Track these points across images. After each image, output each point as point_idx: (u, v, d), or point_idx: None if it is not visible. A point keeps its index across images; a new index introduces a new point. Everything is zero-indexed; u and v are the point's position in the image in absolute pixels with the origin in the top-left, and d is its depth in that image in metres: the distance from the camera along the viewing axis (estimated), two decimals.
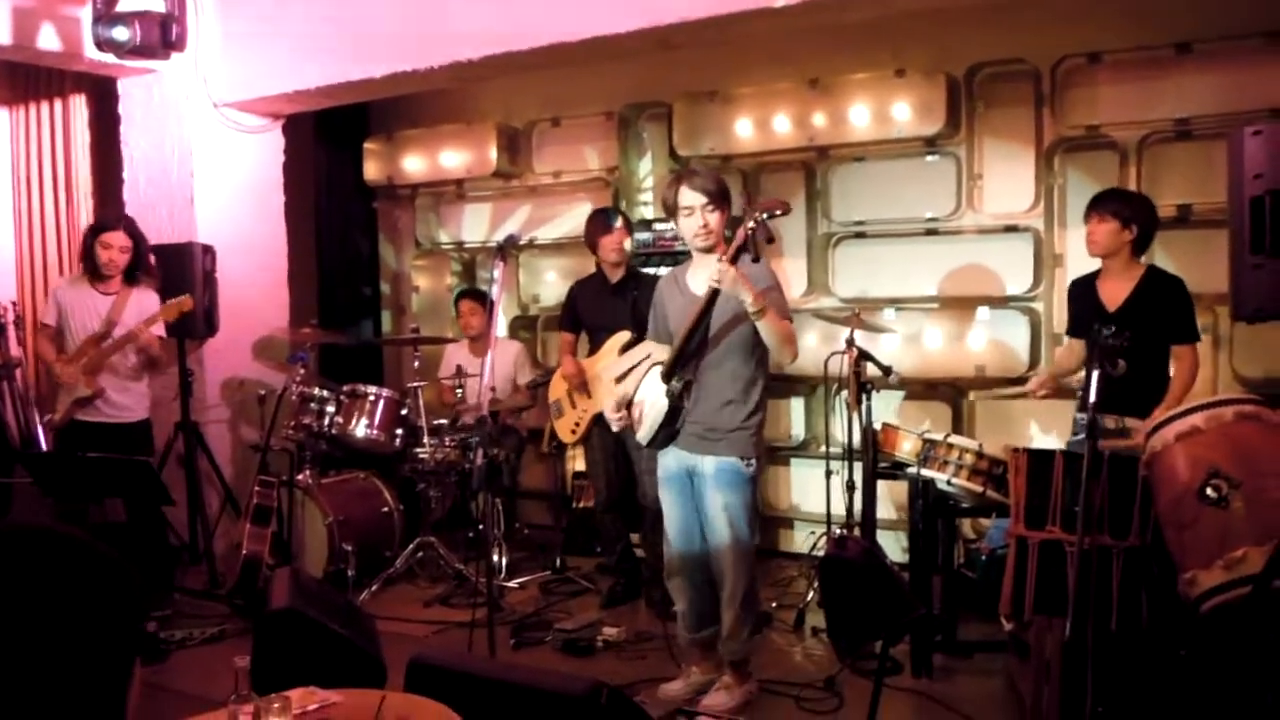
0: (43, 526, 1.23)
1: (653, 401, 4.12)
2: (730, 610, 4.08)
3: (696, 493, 4.11)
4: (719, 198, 3.98)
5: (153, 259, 5.75)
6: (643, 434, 4.20)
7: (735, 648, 4.13)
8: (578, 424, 5.63)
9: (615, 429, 4.42)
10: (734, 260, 3.77)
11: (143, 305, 5.49)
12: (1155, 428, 3.34)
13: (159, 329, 5.44)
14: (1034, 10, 5.44)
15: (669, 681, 4.33)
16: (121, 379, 5.48)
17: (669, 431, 4.10)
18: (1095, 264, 4.66)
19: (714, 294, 3.83)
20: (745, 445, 4.01)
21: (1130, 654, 3.50)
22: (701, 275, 4.00)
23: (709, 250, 4.02)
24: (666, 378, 4.05)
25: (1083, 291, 4.63)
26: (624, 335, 5.37)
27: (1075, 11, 5.46)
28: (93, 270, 5.46)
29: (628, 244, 5.55)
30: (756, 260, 3.82)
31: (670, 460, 4.17)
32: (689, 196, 3.97)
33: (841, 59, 6.08)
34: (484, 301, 6.48)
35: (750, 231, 3.73)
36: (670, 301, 4.20)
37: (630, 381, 4.32)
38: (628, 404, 4.24)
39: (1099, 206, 4.49)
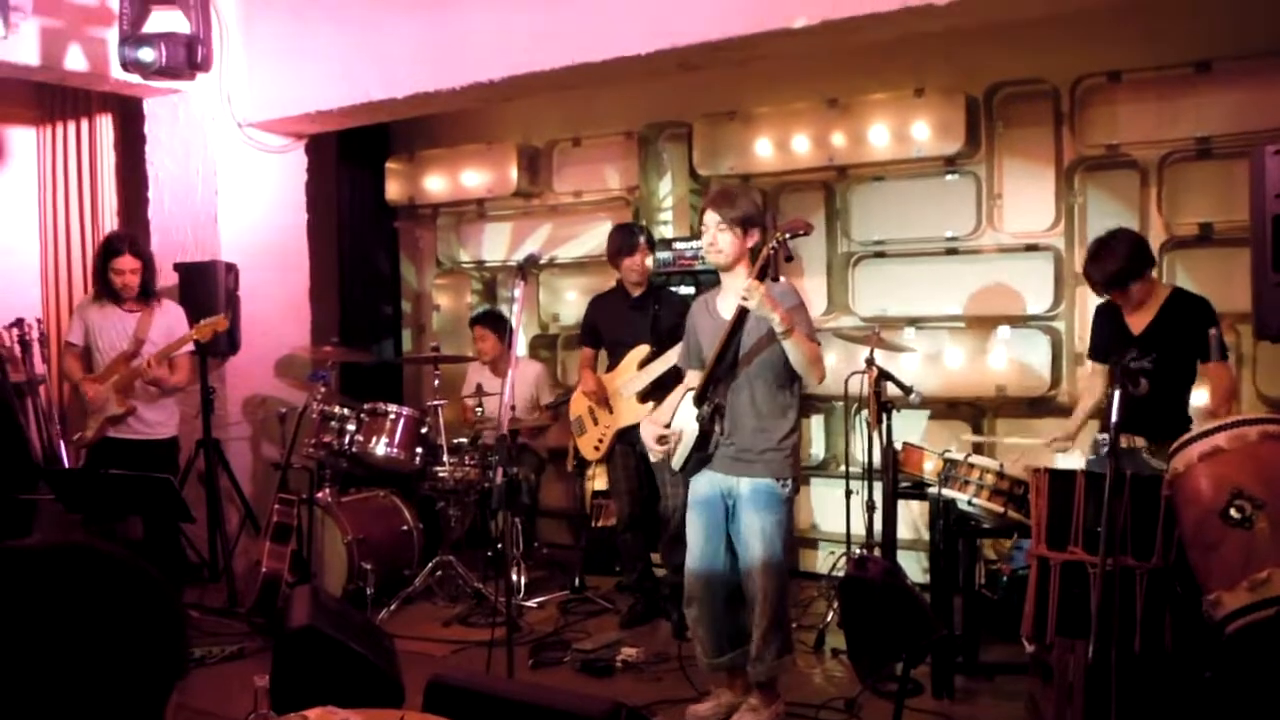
0: (88, 545, 1.24)
1: (685, 427, 4.12)
2: (759, 630, 4.04)
3: (731, 514, 4.08)
4: (736, 222, 3.98)
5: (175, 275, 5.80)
6: (676, 460, 4.19)
7: (763, 669, 4.08)
8: (601, 440, 5.61)
9: (654, 459, 4.40)
10: (760, 279, 3.79)
11: (170, 320, 5.53)
12: (1178, 448, 3.32)
13: (188, 348, 5.48)
14: (1052, 30, 5.44)
15: (696, 702, 4.29)
16: (152, 395, 5.53)
17: (701, 456, 4.09)
18: None
19: (743, 313, 3.84)
20: (781, 466, 4.00)
21: (1154, 676, 3.47)
22: (731, 299, 4.01)
23: (725, 269, 4.06)
24: (698, 402, 4.05)
25: (1108, 316, 4.60)
26: (643, 349, 5.37)
27: (1094, 31, 5.45)
28: (110, 293, 5.52)
29: (649, 262, 5.56)
30: (776, 279, 3.84)
31: (703, 484, 4.14)
32: (708, 215, 4.04)
33: (860, 79, 6.08)
34: (495, 326, 6.51)
35: (771, 251, 3.76)
36: (701, 326, 4.20)
37: (665, 409, 4.31)
38: (666, 432, 4.22)
39: (1115, 285, 4.37)
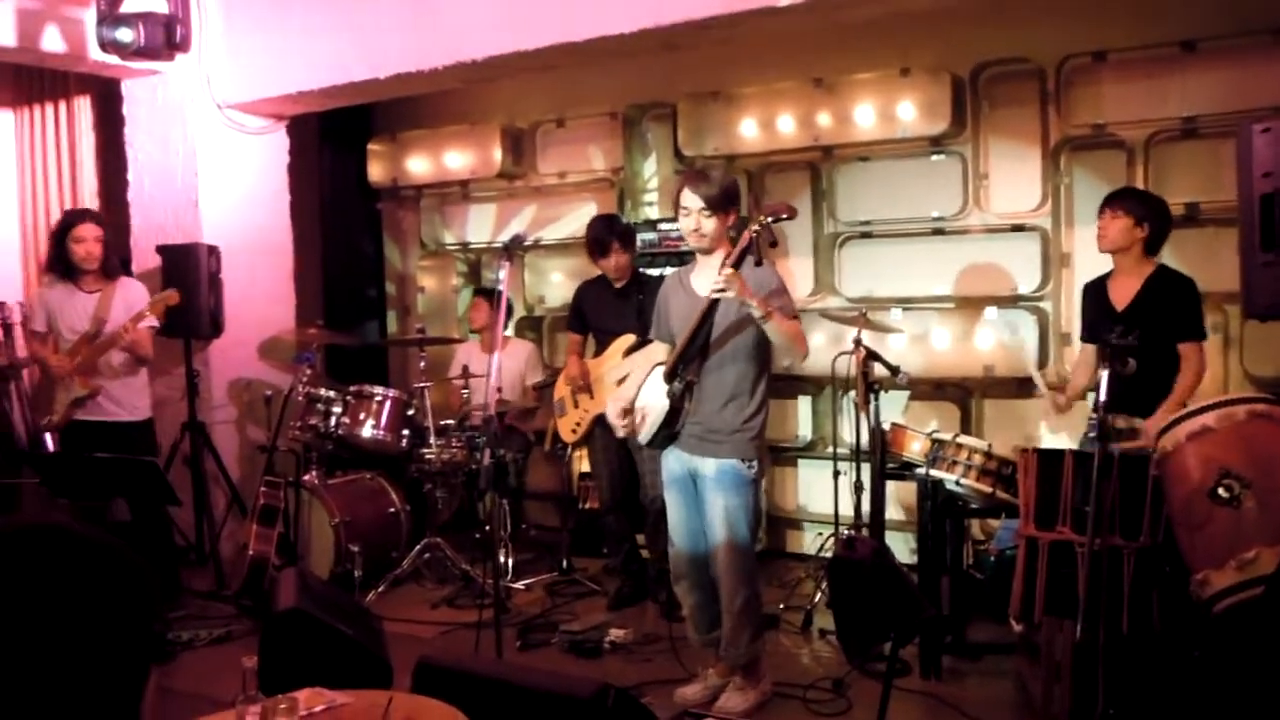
0: (59, 524, 1.22)
1: (654, 402, 4.11)
2: (730, 615, 4.06)
3: (699, 494, 4.09)
4: (718, 203, 3.94)
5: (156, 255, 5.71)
6: (644, 435, 4.18)
7: (737, 654, 4.11)
8: (579, 424, 5.64)
9: (620, 434, 4.40)
10: (737, 265, 3.77)
11: (129, 297, 5.42)
12: (1166, 427, 3.32)
13: (149, 323, 5.40)
14: (1038, 9, 5.43)
15: (683, 684, 4.30)
16: (119, 375, 5.45)
17: (669, 432, 4.08)
18: (1102, 264, 4.64)
19: (713, 303, 3.83)
20: (746, 447, 3.99)
21: (1142, 655, 3.48)
22: (705, 276, 3.99)
23: (706, 252, 4.04)
24: (669, 378, 4.03)
25: (1094, 293, 4.61)
26: (629, 338, 5.36)
27: (1079, 10, 5.44)
28: (69, 269, 5.38)
29: (622, 259, 5.48)
30: (759, 264, 3.81)
31: (673, 462, 4.16)
32: (688, 198, 3.96)
33: (846, 58, 6.06)
34: (490, 298, 6.48)
35: (754, 235, 3.72)
36: (674, 301, 4.18)
37: (630, 384, 4.30)
38: (630, 407, 4.21)
39: (1113, 203, 4.47)
